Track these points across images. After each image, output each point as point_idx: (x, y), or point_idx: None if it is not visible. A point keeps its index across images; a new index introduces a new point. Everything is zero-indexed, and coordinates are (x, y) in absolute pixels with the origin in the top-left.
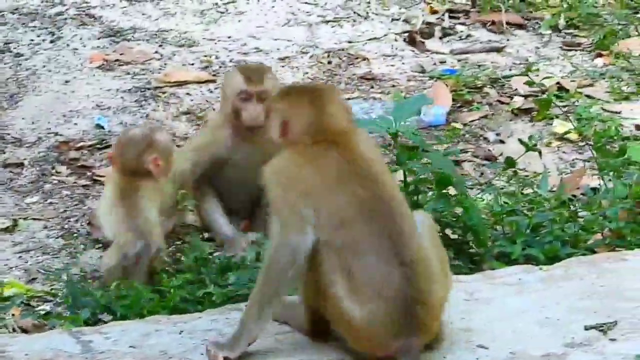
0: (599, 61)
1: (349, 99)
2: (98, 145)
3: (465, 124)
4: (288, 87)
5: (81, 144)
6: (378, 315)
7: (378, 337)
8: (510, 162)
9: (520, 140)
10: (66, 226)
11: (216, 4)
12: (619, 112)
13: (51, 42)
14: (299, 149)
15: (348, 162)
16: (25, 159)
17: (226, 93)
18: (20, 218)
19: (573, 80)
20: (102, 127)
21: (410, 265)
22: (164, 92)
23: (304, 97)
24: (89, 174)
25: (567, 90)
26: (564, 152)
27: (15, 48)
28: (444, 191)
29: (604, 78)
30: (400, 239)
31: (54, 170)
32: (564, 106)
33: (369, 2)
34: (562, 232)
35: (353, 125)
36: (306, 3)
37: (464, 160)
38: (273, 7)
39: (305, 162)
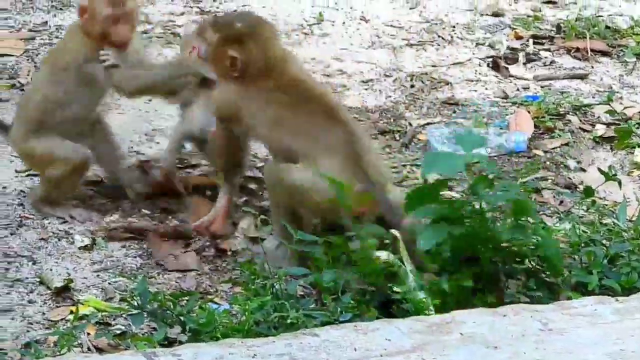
0: None
1: (430, 123)
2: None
3: (546, 151)
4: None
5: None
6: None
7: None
8: (588, 192)
9: (600, 170)
10: (144, 246)
11: (301, 25)
12: None
13: None
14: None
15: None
16: (106, 177)
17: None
18: (99, 237)
19: None
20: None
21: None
22: None
23: (246, 35)
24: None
25: None
26: None
27: None
28: (520, 221)
29: None
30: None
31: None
32: None
33: (453, 27)
34: (639, 264)
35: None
36: (391, 26)
37: (544, 188)
38: (358, 29)
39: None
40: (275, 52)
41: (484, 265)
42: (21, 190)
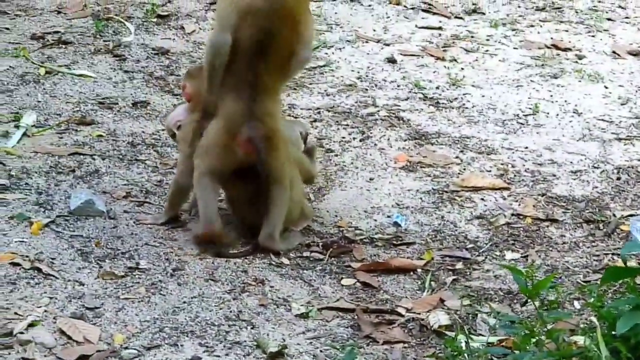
0: None
1: (633, 215)
2: (394, 241)
3: None
4: None
5: (378, 235)
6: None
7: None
8: None
9: None
10: (356, 317)
11: (517, 115)
12: None
13: (360, 140)
14: None
15: None
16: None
17: None
18: (314, 306)
19: None
20: (399, 225)
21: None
22: (460, 196)
23: None
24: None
25: None
26: None
27: (327, 144)
28: None
29: None
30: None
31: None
32: None
33: None
34: None
35: None
36: (602, 120)
37: None
38: (570, 122)
39: None
40: None
41: None
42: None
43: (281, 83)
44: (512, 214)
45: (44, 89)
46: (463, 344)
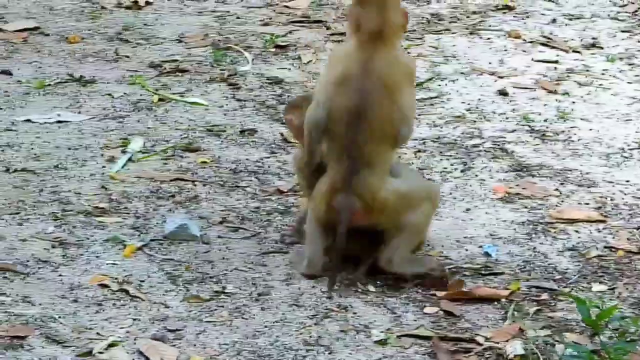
0: None
1: None
2: (482, 271)
3: None
4: None
5: (467, 265)
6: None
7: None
8: None
9: None
10: (433, 344)
11: (622, 149)
12: None
13: (462, 171)
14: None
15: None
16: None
17: None
18: (393, 333)
19: None
20: (490, 255)
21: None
22: (554, 228)
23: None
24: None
25: None
26: None
27: (428, 174)
28: None
29: None
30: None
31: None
32: None
33: None
34: None
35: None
36: None
37: None
38: None
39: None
40: None
41: None
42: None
43: (383, 156)
44: (605, 247)
45: (155, 115)
46: None
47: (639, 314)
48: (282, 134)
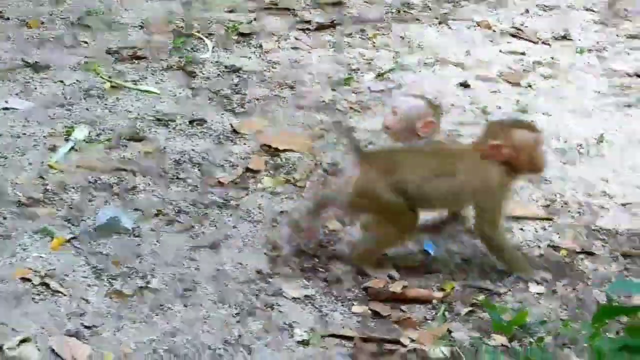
0: None
1: None
2: (420, 270)
3: None
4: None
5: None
6: None
7: None
8: None
9: None
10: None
11: (580, 144)
12: None
13: None
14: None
15: None
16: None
17: None
18: (316, 333)
19: None
20: (429, 253)
21: None
22: None
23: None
24: None
25: None
26: None
27: None
28: None
29: None
30: None
31: None
32: None
33: None
34: None
35: None
36: None
37: None
38: (633, 153)
39: None
40: None
41: None
42: (257, 271)
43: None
44: (549, 245)
45: (105, 104)
46: None
47: (578, 314)
48: (231, 125)
